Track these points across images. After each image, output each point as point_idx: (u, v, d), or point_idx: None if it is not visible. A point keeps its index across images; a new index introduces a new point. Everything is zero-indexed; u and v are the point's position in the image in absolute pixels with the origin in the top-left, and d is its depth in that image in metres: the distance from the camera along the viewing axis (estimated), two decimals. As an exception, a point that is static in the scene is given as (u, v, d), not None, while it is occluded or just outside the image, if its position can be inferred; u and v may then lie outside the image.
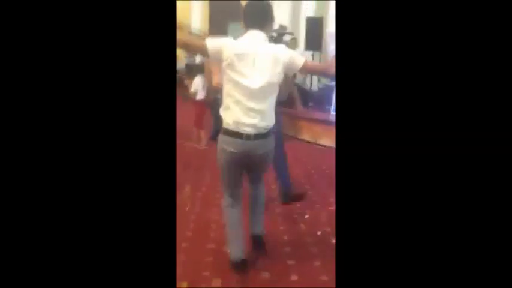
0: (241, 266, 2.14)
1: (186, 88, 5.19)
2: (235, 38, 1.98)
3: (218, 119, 2.07)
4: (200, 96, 4.72)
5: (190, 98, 4.94)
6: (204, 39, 1.97)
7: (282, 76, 2.00)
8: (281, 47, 2.05)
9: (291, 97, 3.32)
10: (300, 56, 2.08)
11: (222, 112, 2.02)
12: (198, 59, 7.65)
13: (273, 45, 2.03)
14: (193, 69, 5.21)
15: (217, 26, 8.24)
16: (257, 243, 2.36)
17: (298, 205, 3.05)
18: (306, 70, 2.14)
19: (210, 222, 2.71)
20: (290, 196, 3.08)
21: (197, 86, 4.75)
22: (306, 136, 5.15)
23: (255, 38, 1.96)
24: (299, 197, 3.11)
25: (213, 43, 1.92)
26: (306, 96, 6.17)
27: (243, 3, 2.13)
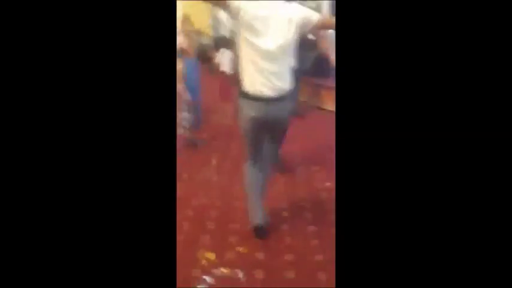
0: (258, 231, 2.27)
1: (212, 60, 5.20)
2: None
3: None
4: (223, 67, 4.73)
5: (216, 70, 4.96)
6: None
7: (296, 36, 2.00)
8: (294, 6, 2.02)
9: (326, 59, 3.06)
10: (314, 13, 2.06)
11: (240, 75, 2.05)
12: (222, 31, 7.61)
13: (287, 4, 2.00)
14: (220, 42, 5.19)
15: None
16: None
17: (320, 174, 3.16)
18: (323, 26, 2.13)
19: (235, 192, 2.85)
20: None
21: (221, 56, 4.75)
22: (329, 106, 5.07)
23: None
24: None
25: None
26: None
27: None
